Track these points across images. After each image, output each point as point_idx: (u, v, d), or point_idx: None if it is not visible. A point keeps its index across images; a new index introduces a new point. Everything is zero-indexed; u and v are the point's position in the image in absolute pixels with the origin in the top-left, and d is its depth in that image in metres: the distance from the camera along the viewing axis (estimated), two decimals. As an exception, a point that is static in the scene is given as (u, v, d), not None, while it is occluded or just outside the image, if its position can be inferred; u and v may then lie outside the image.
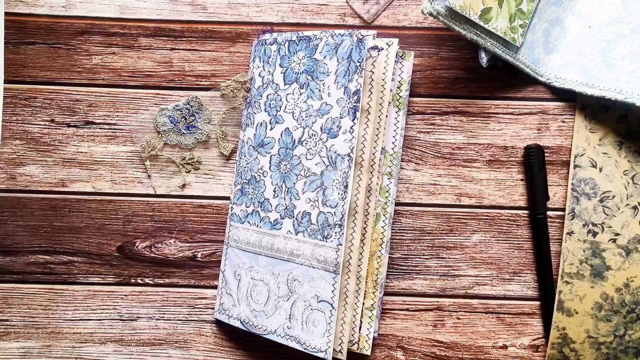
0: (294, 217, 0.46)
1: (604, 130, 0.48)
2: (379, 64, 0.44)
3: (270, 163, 0.47)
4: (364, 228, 0.46)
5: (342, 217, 0.44)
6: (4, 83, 0.49)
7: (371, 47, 0.44)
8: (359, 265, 0.45)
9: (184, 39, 0.49)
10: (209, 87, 0.49)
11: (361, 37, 0.44)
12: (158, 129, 0.48)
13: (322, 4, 0.49)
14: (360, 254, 0.45)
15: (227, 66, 0.49)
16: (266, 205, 0.47)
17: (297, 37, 0.46)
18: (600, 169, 0.48)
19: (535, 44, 0.47)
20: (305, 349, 0.44)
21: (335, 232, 0.44)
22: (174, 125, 0.47)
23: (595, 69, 0.47)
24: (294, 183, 0.46)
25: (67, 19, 0.49)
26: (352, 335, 0.46)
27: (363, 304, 0.46)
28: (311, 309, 0.44)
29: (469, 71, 0.49)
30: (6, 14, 0.49)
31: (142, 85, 0.49)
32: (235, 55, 0.49)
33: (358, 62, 0.43)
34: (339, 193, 0.44)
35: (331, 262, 0.44)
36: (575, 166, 0.48)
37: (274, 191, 0.46)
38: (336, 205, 0.44)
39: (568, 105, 0.49)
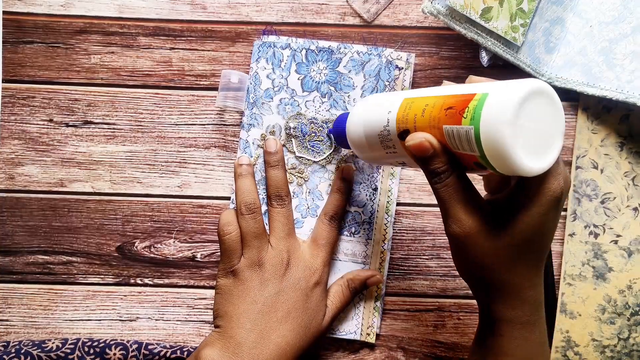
0: (316, 216, 0.48)
1: (606, 131, 0.48)
2: (399, 82, 0.48)
3: (286, 164, 0.48)
4: (385, 225, 0.48)
5: (371, 215, 0.48)
6: (2, 82, 0.49)
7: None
8: (380, 257, 0.48)
9: (183, 38, 0.49)
10: (208, 86, 0.49)
11: (391, 59, 0.47)
12: (287, 131, 0.48)
13: (322, 4, 0.49)
14: (381, 246, 0.48)
15: (227, 66, 0.49)
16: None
17: (315, 47, 0.48)
18: (602, 171, 0.48)
19: (536, 43, 0.47)
20: (333, 334, 0.48)
21: (364, 228, 0.48)
22: (303, 136, 0.48)
23: (597, 68, 0.46)
24: (317, 185, 0.48)
25: (65, 18, 0.49)
26: (371, 323, 0.48)
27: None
28: None
29: (470, 70, 0.49)
30: (4, 12, 0.48)
31: (141, 84, 0.49)
32: (235, 55, 0.49)
33: (387, 81, 0.47)
34: (367, 194, 0.48)
35: (360, 254, 0.48)
36: (577, 167, 0.48)
37: (293, 192, 0.48)
38: (364, 205, 0.48)
39: (569, 104, 0.49)
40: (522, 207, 0.32)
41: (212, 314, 0.49)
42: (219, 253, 0.49)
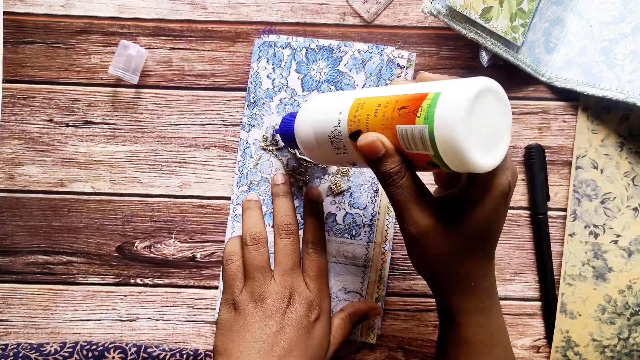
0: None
1: (606, 132, 0.48)
2: (401, 80, 0.47)
3: (288, 166, 0.48)
4: (386, 225, 0.48)
5: (372, 218, 0.48)
6: (3, 82, 0.49)
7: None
8: (381, 258, 0.48)
9: (183, 38, 0.49)
10: (208, 86, 0.49)
11: (392, 57, 0.47)
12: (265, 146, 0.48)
13: (322, 3, 0.49)
14: (382, 247, 0.48)
15: (227, 66, 0.49)
16: None
17: (316, 45, 0.47)
18: (602, 171, 0.48)
19: (536, 43, 0.47)
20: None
21: (365, 231, 0.48)
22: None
23: (597, 68, 0.46)
24: (317, 186, 0.48)
25: (65, 18, 0.49)
26: (372, 323, 0.49)
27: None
28: (338, 300, 0.48)
29: (470, 71, 0.49)
30: (4, 13, 0.49)
31: (141, 84, 0.49)
32: (235, 55, 0.49)
33: (389, 80, 0.47)
34: (367, 196, 0.47)
35: (360, 257, 0.48)
36: (577, 167, 0.48)
37: (294, 193, 0.47)
38: (365, 207, 0.48)
39: (569, 105, 0.49)
40: (474, 202, 0.33)
41: (212, 313, 0.49)
42: (219, 253, 0.49)
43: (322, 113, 0.37)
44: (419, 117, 0.29)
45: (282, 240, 0.44)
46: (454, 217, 0.33)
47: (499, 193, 0.32)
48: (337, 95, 0.38)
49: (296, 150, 0.47)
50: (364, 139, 0.33)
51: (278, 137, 0.48)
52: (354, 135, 0.34)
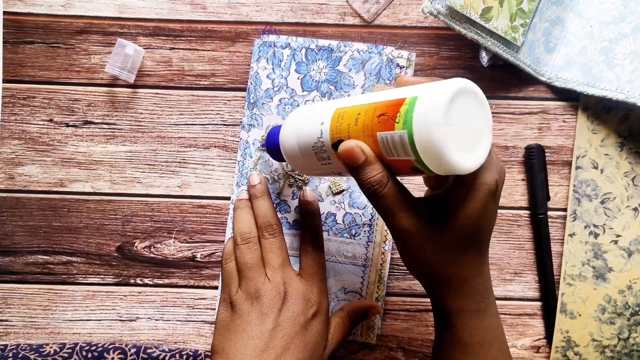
0: None
1: (606, 132, 0.48)
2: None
3: (287, 166, 0.48)
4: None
5: (372, 217, 0.48)
6: (3, 82, 0.49)
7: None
8: (381, 258, 0.48)
9: (183, 38, 0.49)
10: (208, 86, 0.49)
11: (392, 57, 0.47)
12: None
13: (322, 3, 0.49)
14: (382, 247, 0.48)
15: (227, 66, 0.49)
16: (283, 206, 0.48)
17: (315, 46, 0.47)
18: (602, 171, 0.48)
19: (536, 43, 0.47)
20: None
21: (365, 231, 0.48)
22: None
23: (597, 68, 0.46)
24: (317, 186, 0.48)
25: (66, 18, 0.49)
26: (372, 323, 0.49)
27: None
28: (337, 300, 0.48)
29: (470, 71, 0.49)
30: (5, 13, 0.49)
31: (141, 84, 0.49)
32: (235, 55, 0.49)
33: (388, 79, 0.47)
34: None
35: (360, 257, 0.48)
36: (577, 167, 0.48)
37: (293, 193, 0.47)
38: (364, 207, 0.48)
39: (569, 105, 0.49)
40: (461, 203, 0.33)
41: (212, 313, 0.49)
42: (219, 253, 0.49)
43: (304, 125, 0.37)
44: (397, 122, 0.29)
45: (267, 240, 0.44)
46: (442, 218, 0.33)
47: (485, 192, 0.32)
48: (318, 106, 0.38)
49: (283, 163, 0.47)
50: (343, 146, 0.32)
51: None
52: (337, 145, 0.34)
